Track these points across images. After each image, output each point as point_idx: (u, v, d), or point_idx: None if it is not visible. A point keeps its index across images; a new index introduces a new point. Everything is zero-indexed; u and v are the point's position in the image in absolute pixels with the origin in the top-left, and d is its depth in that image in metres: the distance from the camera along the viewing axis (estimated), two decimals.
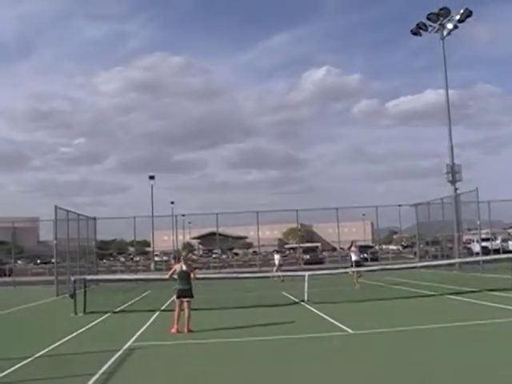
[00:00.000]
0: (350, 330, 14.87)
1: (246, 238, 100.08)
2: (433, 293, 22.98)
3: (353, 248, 30.84)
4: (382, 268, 31.53)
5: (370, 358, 11.42)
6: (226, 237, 79.28)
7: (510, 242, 62.94)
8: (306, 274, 23.72)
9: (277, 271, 37.15)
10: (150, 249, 69.91)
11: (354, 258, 30.24)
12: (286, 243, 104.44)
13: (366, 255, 55.34)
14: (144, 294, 30.19)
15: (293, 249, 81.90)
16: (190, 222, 66.13)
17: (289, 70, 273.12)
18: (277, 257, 38.74)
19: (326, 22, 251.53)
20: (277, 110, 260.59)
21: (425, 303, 20.67)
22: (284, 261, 45.45)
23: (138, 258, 66.76)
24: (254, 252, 64.28)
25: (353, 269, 29.55)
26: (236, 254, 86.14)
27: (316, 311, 19.19)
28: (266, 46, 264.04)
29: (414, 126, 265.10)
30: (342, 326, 15.62)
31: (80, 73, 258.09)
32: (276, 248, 68.49)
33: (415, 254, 56.30)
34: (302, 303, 21.61)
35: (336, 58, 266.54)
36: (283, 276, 35.97)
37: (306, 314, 18.96)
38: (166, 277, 17.52)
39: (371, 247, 66.11)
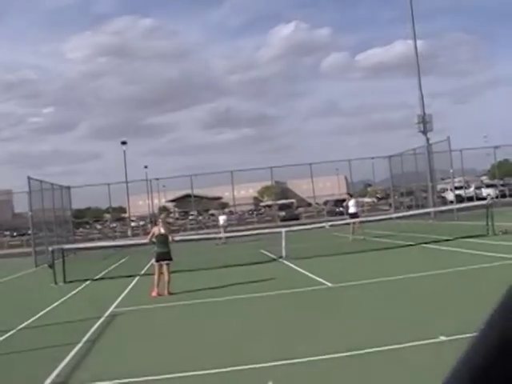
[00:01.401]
0: (329, 284, 15.04)
1: (221, 198, 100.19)
2: (410, 243, 23.23)
3: (352, 201, 31.02)
4: (357, 221, 31.71)
5: (348, 310, 11.62)
6: (201, 198, 79.14)
7: (483, 190, 63.42)
8: (283, 230, 23.84)
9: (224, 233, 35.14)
10: (126, 215, 69.71)
11: (352, 210, 30.36)
12: (261, 201, 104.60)
13: (341, 209, 55.64)
14: (123, 260, 30.15)
15: (268, 206, 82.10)
16: (164, 186, 65.93)
17: (257, 27, 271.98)
18: (222, 217, 37.85)
19: None
20: (247, 67, 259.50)
21: (402, 253, 20.92)
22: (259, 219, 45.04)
23: (114, 225, 66.64)
24: (230, 212, 64.30)
25: (347, 220, 29.79)
26: (212, 215, 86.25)
27: (295, 267, 19.34)
28: (233, 3, 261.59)
29: (384, 78, 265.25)
30: (321, 280, 15.79)
31: (47, 40, 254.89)
32: (251, 208, 68.65)
33: (390, 205, 56.69)
34: (281, 260, 21.76)
35: (305, 12, 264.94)
36: (225, 238, 34.71)
37: (285, 270, 19.13)
38: (145, 241, 17.55)
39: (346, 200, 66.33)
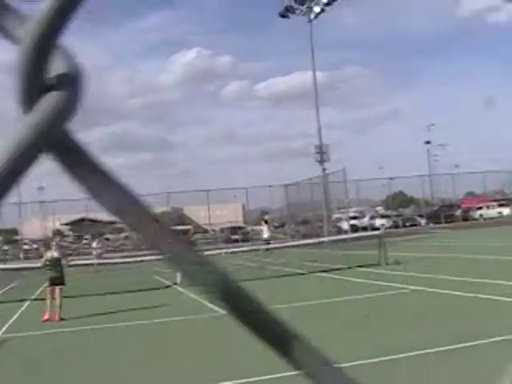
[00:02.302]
0: (221, 311, 14.92)
1: (115, 222, 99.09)
2: (303, 271, 23.38)
3: (265, 227, 31.15)
4: (253, 249, 31.77)
5: (234, 338, 11.53)
6: (96, 222, 77.95)
7: (377, 220, 64.92)
8: None
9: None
10: (18, 237, 67.94)
11: (265, 235, 30.45)
12: None
13: (237, 236, 55.82)
14: (14, 284, 29.23)
15: None
16: (57, 209, 64.63)
17: (160, 52, 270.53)
18: (95, 245, 37.18)
19: (197, 4, 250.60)
20: (147, 92, 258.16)
21: (295, 281, 21.03)
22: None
23: (6, 247, 64.73)
24: (126, 237, 63.55)
25: (260, 246, 30.04)
26: (107, 240, 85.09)
27: (188, 293, 19.15)
28: (136, 28, 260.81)
29: (284, 107, 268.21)
30: (214, 307, 15.64)
31: None
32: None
33: (286, 233, 57.25)
34: (175, 286, 21.52)
35: (207, 39, 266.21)
36: (97, 265, 33.89)
37: (177, 296, 18.91)
38: (39, 265, 17.11)
39: (243, 228, 66.69)
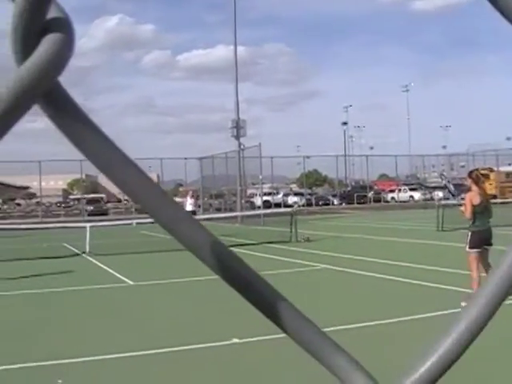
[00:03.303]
0: (130, 282, 14.86)
1: (28, 188, 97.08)
2: None
3: (189, 198, 30.82)
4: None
5: (145, 309, 11.51)
6: (7, 186, 76.25)
7: (290, 197, 65.51)
8: (88, 225, 23.35)
9: None
10: None
11: (189, 208, 30.08)
12: (71, 194, 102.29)
13: None
14: None
15: (77, 200, 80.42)
16: None
17: (82, 16, 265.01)
18: None
19: None
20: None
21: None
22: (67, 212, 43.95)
23: None
24: (37, 203, 62.47)
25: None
26: (18, 205, 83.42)
27: (97, 263, 18.97)
28: None
29: (204, 80, 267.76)
30: (122, 277, 15.56)
31: None
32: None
33: (199, 206, 57.24)
34: (84, 255, 21.26)
35: (130, 6, 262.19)
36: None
37: (86, 265, 18.69)
38: None
39: None
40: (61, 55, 0.51)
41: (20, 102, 0.50)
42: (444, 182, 16.04)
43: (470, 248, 10.88)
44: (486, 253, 10.90)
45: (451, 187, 14.94)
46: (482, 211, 11.00)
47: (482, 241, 10.85)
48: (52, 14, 0.52)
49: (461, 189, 22.89)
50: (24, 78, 0.49)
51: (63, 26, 0.53)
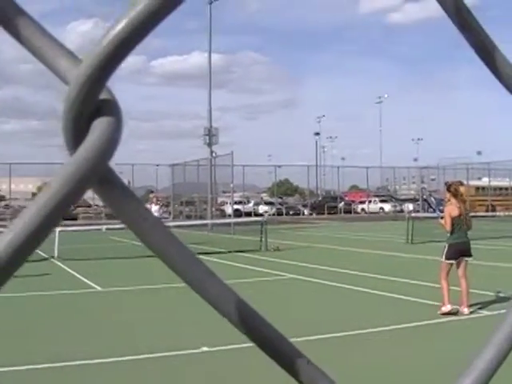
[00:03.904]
0: (98, 288, 14.77)
1: None
2: None
3: (153, 205, 30.62)
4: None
5: (112, 315, 11.45)
6: None
7: (261, 206, 65.58)
8: (57, 229, 23.17)
9: None
10: None
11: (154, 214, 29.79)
12: None
13: None
14: None
15: None
16: None
17: (57, 19, 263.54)
18: None
19: None
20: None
21: None
22: None
23: None
24: (6, 206, 61.88)
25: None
26: None
27: (66, 268, 18.84)
28: None
29: (179, 86, 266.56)
30: (90, 283, 15.46)
31: None
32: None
33: (169, 213, 57.08)
34: (52, 259, 21.09)
35: (107, 10, 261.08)
36: None
37: (54, 270, 18.54)
38: None
39: None
40: (114, 141, 0.51)
41: (76, 189, 0.49)
42: (425, 195, 16.24)
43: (445, 259, 11.06)
44: (464, 264, 11.09)
45: (432, 200, 15.07)
46: (461, 224, 11.16)
47: (458, 252, 11.05)
48: (102, 94, 0.52)
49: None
50: (80, 165, 0.48)
51: (113, 108, 0.52)
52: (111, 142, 0.50)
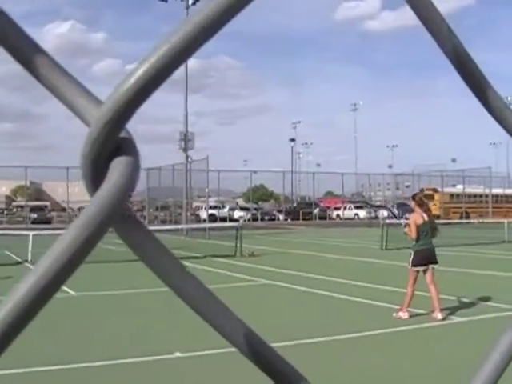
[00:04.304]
0: (72, 292, 14.68)
1: None
2: None
3: None
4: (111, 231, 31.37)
5: (86, 320, 11.41)
6: None
7: (236, 211, 65.57)
8: (31, 233, 23.03)
9: None
10: None
11: None
12: (14, 201, 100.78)
13: None
14: None
15: (21, 207, 79.32)
16: None
17: (33, 20, 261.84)
18: None
19: None
20: (13, 60, 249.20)
21: (143, 267, 20.89)
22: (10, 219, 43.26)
23: None
24: None
25: None
26: None
27: None
28: None
29: (156, 90, 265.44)
30: (64, 287, 15.32)
31: None
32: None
33: (144, 218, 56.91)
34: (26, 263, 20.94)
35: (83, 13, 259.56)
36: None
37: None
38: None
39: None
40: (133, 180, 0.52)
41: (99, 229, 0.50)
42: (388, 205, 16.53)
43: (412, 266, 11.25)
44: (431, 271, 11.29)
45: (395, 211, 15.31)
46: (426, 231, 11.36)
47: (424, 259, 11.28)
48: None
49: (405, 208, 23.32)
50: (102, 206, 0.49)
51: (131, 147, 0.53)
52: (131, 182, 0.51)
